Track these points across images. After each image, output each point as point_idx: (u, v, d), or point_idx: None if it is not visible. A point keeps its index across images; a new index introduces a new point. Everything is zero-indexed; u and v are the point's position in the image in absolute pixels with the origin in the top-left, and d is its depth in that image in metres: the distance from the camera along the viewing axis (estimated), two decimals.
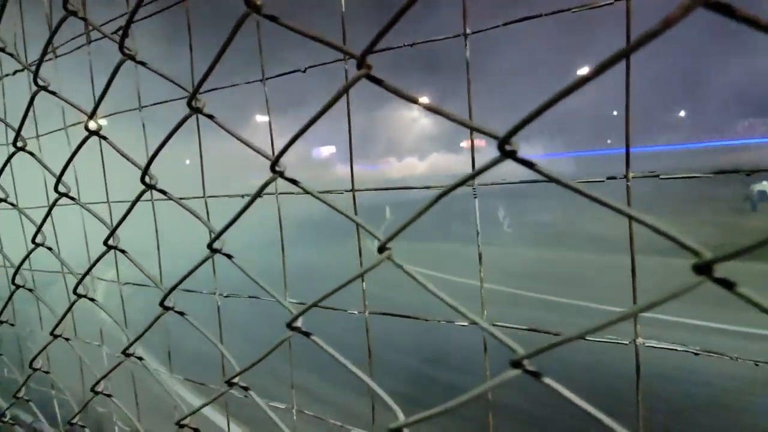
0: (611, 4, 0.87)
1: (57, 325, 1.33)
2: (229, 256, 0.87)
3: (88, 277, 1.30)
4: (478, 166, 0.53)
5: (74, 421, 1.43)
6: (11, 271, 1.49)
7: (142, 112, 1.68)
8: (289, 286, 1.35)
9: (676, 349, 0.95)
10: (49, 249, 1.34)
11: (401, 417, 0.61)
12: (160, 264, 1.66)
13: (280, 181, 0.74)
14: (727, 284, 0.38)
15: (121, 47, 0.83)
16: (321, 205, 0.75)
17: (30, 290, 1.49)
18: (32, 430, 2.02)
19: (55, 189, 1.15)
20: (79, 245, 1.93)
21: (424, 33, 1.21)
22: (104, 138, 1.03)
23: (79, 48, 1.80)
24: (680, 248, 0.41)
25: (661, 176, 0.93)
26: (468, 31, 1.01)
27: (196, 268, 0.89)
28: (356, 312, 1.27)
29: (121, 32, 0.83)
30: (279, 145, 0.71)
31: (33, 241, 1.31)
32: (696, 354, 0.95)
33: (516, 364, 0.49)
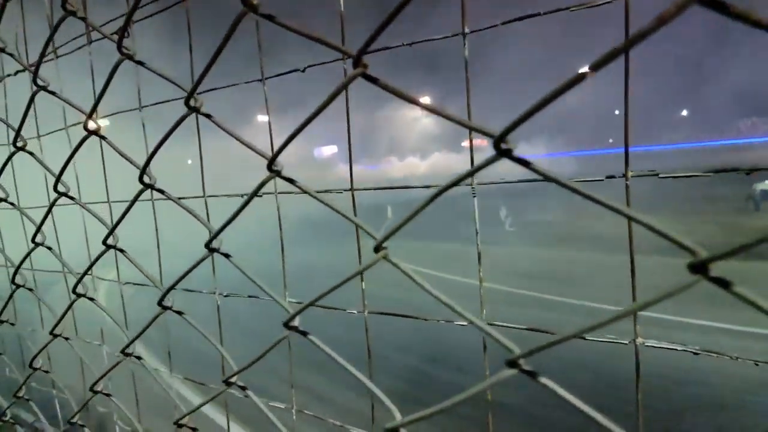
0: (610, 2, 0.87)
1: (56, 325, 1.33)
2: (226, 255, 0.87)
3: (88, 277, 1.31)
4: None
5: (74, 420, 1.43)
6: (12, 270, 1.50)
7: (145, 112, 1.68)
8: (288, 286, 1.35)
9: (676, 349, 0.95)
10: (49, 248, 1.34)
11: (398, 416, 0.61)
12: (160, 264, 1.66)
13: (279, 180, 0.74)
14: (723, 283, 0.38)
15: (120, 47, 0.83)
16: (320, 204, 0.75)
17: (30, 290, 1.49)
18: (33, 429, 2.02)
19: (55, 188, 1.16)
20: (80, 245, 1.94)
21: (426, 33, 1.21)
22: (103, 138, 1.03)
23: (80, 48, 1.80)
24: (681, 248, 0.41)
25: (660, 175, 0.92)
26: (467, 30, 1.01)
27: (193, 267, 0.89)
28: (356, 311, 1.27)
29: (120, 32, 0.83)
30: (276, 145, 0.71)
31: (33, 240, 1.31)
32: (695, 354, 0.95)
33: (512, 363, 0.49)
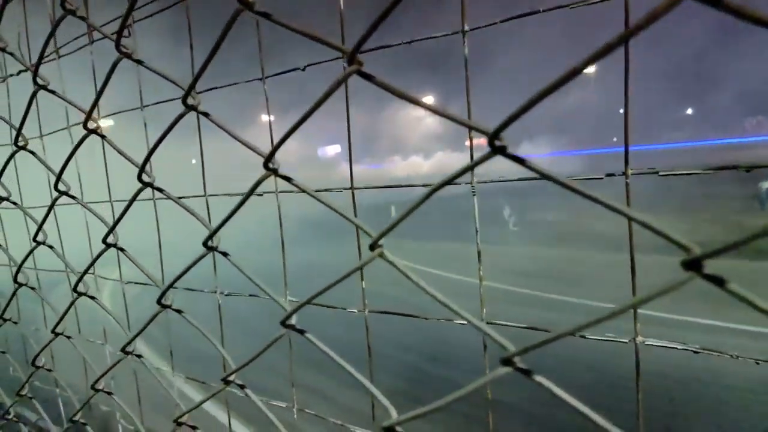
0: None
1: (58, 323, 1.34)
2: (225, 254, 0.87)
3: (90, 276, 1.31)
4: (478, 165, 0.53)
5: (76, 418, 1.44)
6: (15, 269, 1.50)
7: (149, 112, 1.69)
8: (289, 285, 1.35)
9: (676, 347, 0.95)
10: (50, 247, 1.35)
11: (394, 414, 0.61)
12: (162, 263, 1.66)
13: (281, 179, 0.74)
14: (717, 280, 0.37)
15: (118, 45, 0.83)
16: (321, 204, 0.75)
17: (32, 288, 1.49)
18: (37, 427, 2.03)
19: (55, 187, 1.16)
20: (84, 244, 1.95)
21: (428, 33, 1.21)
22: (103, 137, 1.04)
23: (81, 48, 1.81)
24: (675, 245, 0.41)
25: (660, 173, 0.92)
26: (466, 28, 1.01)
27: (192, 265, 0.89)
28: (356, 310, 1.28)
29: (121, 31, 0.84)
30: (282, 145, 0.71)
31: (34, 239, 1.32)
32: (695, 352, 0.95)
33: (507, 361, 0.49)
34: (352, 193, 1.19)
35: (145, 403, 2.01)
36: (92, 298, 1.25)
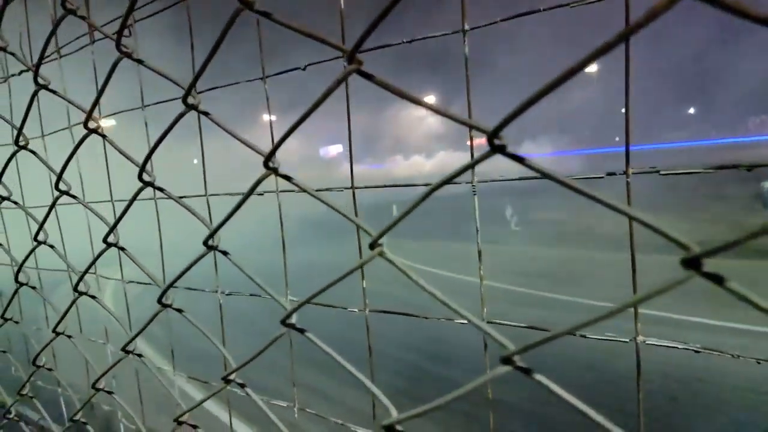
0: None
1: (59, 323, 1.34)
2: (225, 253, 0.87)
3: (92, 276, 1.31)
4: (477, 164, 0.53)
5: (77, 417, 1.44)
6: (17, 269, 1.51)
7: (152, 113, 1.69)
8: (290, 285, 1.35)
9: (677, 347, 0.94)
10: (51, 247, 1.35)
11: (394, 413, 0.61)
12: (163, 262, 1.67)
13: (282, 179, 0.74)
14: (716, 278, 0.37)
15: (118, 45, 0.83)
16: (321, 203, 0.75)
17: (33, 288, 1.50)
18: (39, 427, 2.04)
19: (56, 187, 1.16)
20: (86, 244, 1.95)
21: (430, 33, 1.21)
22: (103, 136, 1.04)
23: (82, 48, 1.81)
24: (675, 244, 0.41)
25: (661, 172, 0.92)
26: (466, 27, 1.00)
27: (192, 264, 0.89)
28: (356, 310, 1.28)
29: (124, 31, 0.84)
30: (285, 144, 0.71)
31: (35, 239, 1.32)
32: (696, 352, 0.94)
33: (506, 360, 0.48)
34: (353, 193, 1.19)
35: (149, 402, 2.01)
36: (93, 297, 1.25)
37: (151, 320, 1.02)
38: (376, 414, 1.15)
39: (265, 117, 1.41)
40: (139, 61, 0.85)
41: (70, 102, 1.09)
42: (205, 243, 0.85)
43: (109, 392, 1.33)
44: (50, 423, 1.70)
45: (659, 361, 5.09)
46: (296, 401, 1.45)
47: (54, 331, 1.37)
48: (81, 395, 1.56)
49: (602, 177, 0.96)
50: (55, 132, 1.96)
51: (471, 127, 0.51)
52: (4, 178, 1.45)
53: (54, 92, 1.08)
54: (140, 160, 0.98)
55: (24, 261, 1.41)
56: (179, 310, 0.99)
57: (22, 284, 1.47)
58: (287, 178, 0.71)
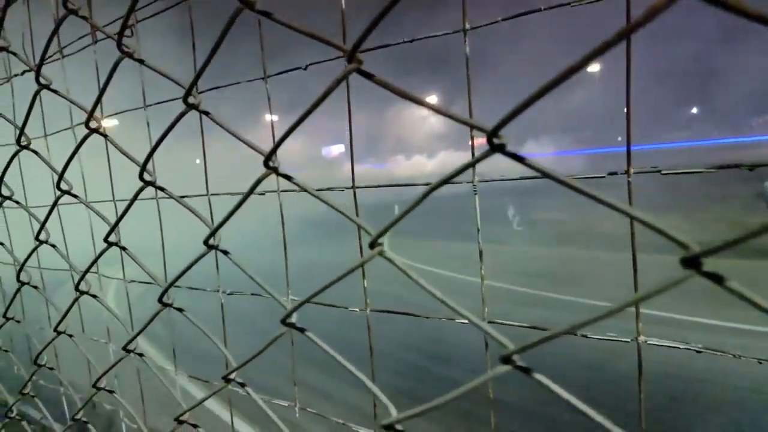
0: None
1: (60, 322, 1.34)
2: (225, 252, 0.87)
3: (93, 275, 1.32)
4: (477, 163, 0.53)
5: (78, 416, 1.44)
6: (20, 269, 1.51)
7: (155, 113, 1.70)
8: (291, 284, 1.35)
9: (678, 347, 0.94)
10: (53, 246, 1.36)
11: (393, 413, 0.61)
12: (165, 262, 1.67)
13: (283, 179, 0.74)
14: (716, 278, 0.37)
15: (119, 45, 0.83)
16: (323, 203, 0.75)
17: (35, 287, 1.50)
18: (41, 426, 2.04)
19: (58, 186, 1.17)
20: (90, 243, 1.96)
21: (432, 33, 1.21)
22: (105, 135, 1.04)
23: (85, 48, 1.82)
24: (675, 243, 0.41)
25: (662, 171, 0.92)
26: (467, 26, 1.00)
27: (192, 264, 0.89)
28: (357, 309, 1.28)
29: (127, 31, 0.84)
30: (285, 143, 0.71)
31: (36, 238, 1.33)
32: (698, 352, 0.94)
33: (506, 359, 0.48)
34: (354, 192, 1.19)
35: (152, 402, 2.02)
36: (94, 296, 1.26)
37: (151, 319, 1.02)
38: (377, 413, 1.15)
39: (268, 117, 1.41)
40: (140, 61, 0.85)
41: (71, 102, 1.09)
42: (205, 242, 0.85)
43: (110, 391, 1.34)
44: (52, 422, 1.70)
45: (660, 361, 5.08)
46: (297, 401, 1.45)
47: (55, 330, 1.37)
48: (83, 394, 1.56)
49: (603, 177, 0.96)
50: (57, 132, 1.97)
51: (471, 126, 0.51)
52: (7, 179, 1.46)
53: (55, 92, 1.09)
54: (142, 159, 0.98)
55: (26, 260, 1.42)
56: (180, 309, 0.99)
57: (23, 283, 1.47)
58: (287, 177, 0.71)
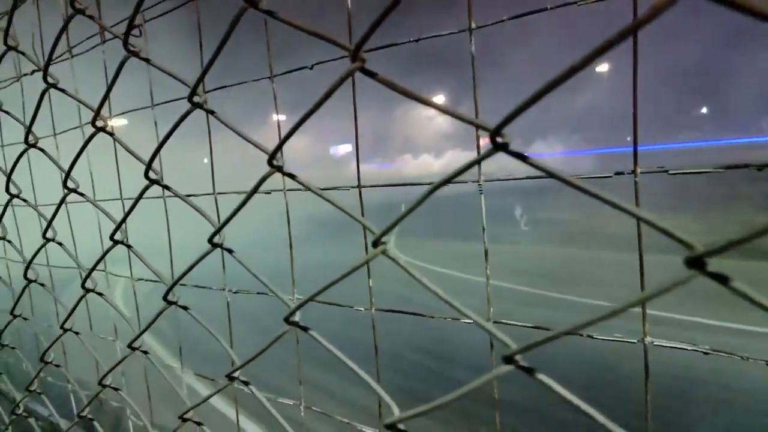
0: None
1: (66, 319, 1.35)
2: (229, 251, 0.87)
3: (100, 273, 1.33)
4: (482, 162, 0.53)
5: (84, 413, 1.45)
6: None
7: (163, 111, 1.70)
8: (296, 284, 1.36)
9: (686, 348, 0.93)
10: (60, 244, 1.37)
11: (396, 412, 0.61)
12: (172, 261, 1.68)
13: (289, 178, 0.74)
14: (721, 278, 0.37)
15: (126, 44, 0.84)
16: (328, 202, 0.75)
17: (42, 285, 1.51)
18: (48, 422, 2.06)
19: (64, 185, 1.17)
20: (99, 242, 1.97)
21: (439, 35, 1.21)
22: (111, 134, 1.05)
23: (93, 48, 1.83)
24: (679, 243, 0.41)
25: (669, 171, 0.91)
26: (473, 25, 1.00)
27: (197, 262, 0.90)
28: (362, 309, 1.28)
29: (135, 31, 0.85)
30: (292, 143, 0.71)
31: (44, 236, 1.34)
32: (705, 353, 0.93)
33: (508, 359, 0.48)
34: (359, 192, 1.20)
35: (158, 399, 2.03)
36: (100, 294, 1.26)
37: (156, 317, 1.03)
38: (381, 413, 1.15)
39: (274, 117, 1.42)
40: (146, 60, 0.85)
41: (78, 101, 1.10)
42: (210, 240, 0.86)
43: (116, 389, 1.35)
44: (59, 419, 1.72)
45: (664, 362, 5.05)
46: (302, 399, 1.45)
47: (62, 327, 1.38)
48: (91, 392, 1.58)
49: (610, 176, 0.95)
50: (66, 131, 1.98)
51: (474, 125, 0.50)
52: (17, 177, 1.47)
53: (63, 91, 1.09)
54: (148, 158, 0.98)
55: (33, 258, 1.43)
56: (185, 308, 1.00)
57: (31, 281, 1.49)
58: (291, 176, 0.71)
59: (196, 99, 0.79)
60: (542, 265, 11.13)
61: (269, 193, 1.29)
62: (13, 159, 1.40)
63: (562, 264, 11.11)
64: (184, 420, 1.07)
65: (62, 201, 1.27)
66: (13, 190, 1.43)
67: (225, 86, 1.41)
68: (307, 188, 0.73)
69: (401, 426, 0.60)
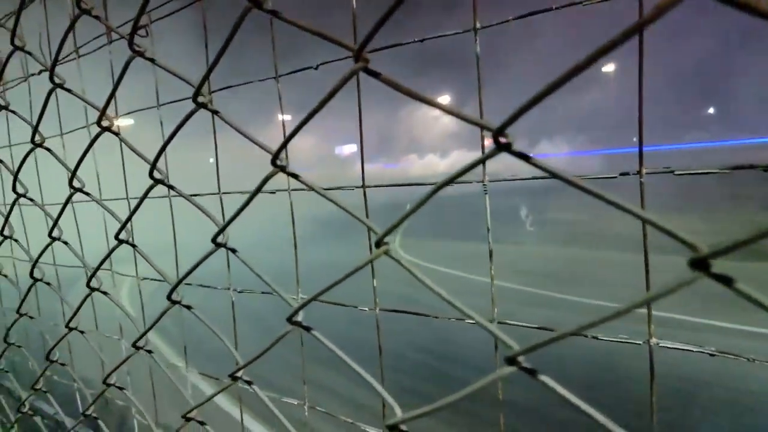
0: None
1: (71, 318, 1.36)
2: (233, 250, 0.87)
3: (105, 272, 1.33)
4: (487, 162, 0.53)
5: (89, 412, 1.46)
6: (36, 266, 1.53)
7: (170, 111, 1.71)
8: (301, 284, 1.36)
9: (691, 350, 0.93)
10: (65, 243, 1.37)
11: (398, 413, 0.61)
12: (177, 260, 1.68)
13: (293, 179, 0.74)
14: (725, 280, 0.37)
15: (131, 44, 0.84)
16: (330, 202, 0.75)
17: (48, 284, 1.52)
18: (54, 421, 2.07)
19: (70, 184, 1.18)
20: (105, 241, 1.98)
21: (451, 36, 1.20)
22: (116, 134, 1.05)
23: (100, 48, 1.84)
24: (682, 244, 0.40)
25: (675, 172, 0.90)
26: (478, 25, 1.00)
27: (200, 261, 0.90)
28: (366, 309, 1.28)
29: (141, 31, 0.85)
30: (297, 143, 0.71)
31: (50, 235, 1.35)
32: (711, 355, 0.93)
33: (511, 360, 0.48)
34: (364, 192, 1.19)
35: (164, 398, 2.03)
36: (105, 293, 1.27)
37: (160, 317, 1.03)
38: (385, 413, 1.15)
39: (281, 117, 1.42)
40: (151, 60, 0.86)
41: (84, 101, 1.10)
42: (213, 240, 0.86)
43: (121, 388, 1.35)
44: (64, 417, 1.73)
45: (669, 363, 5.03)
46: (306, 399, 1.45)
47: (67, 326, 1.39)
48: (96, 390, 1.58)
49: (615, 177, 0.95)
50: (72, 131, 1.99)
51: (477, 125, 0.50)
52: (24, 177, 1.48)
53: (69, 91, 1.10)
54: (159, 158, 0.99)
55: (38, 257, 1.44)
56: (188, 307, 1.00)
57: (36, 280, 1.50)
58: (294, 176, 0.71)
59: (200, 99, 0.79)
60: (547, 265, 11.11)
61: (274, 192, 1.29)
62: (20, 158, 1.41)
63: (566, 264, 11.08)
64: (188, 419, 1.08)
65: (68, 200, 1.27)
66: (20, 190, 1.43)
67: (230, 86, 1.41)
68: (311, 188, 0.73)
69: (403, 427, 0.60)
